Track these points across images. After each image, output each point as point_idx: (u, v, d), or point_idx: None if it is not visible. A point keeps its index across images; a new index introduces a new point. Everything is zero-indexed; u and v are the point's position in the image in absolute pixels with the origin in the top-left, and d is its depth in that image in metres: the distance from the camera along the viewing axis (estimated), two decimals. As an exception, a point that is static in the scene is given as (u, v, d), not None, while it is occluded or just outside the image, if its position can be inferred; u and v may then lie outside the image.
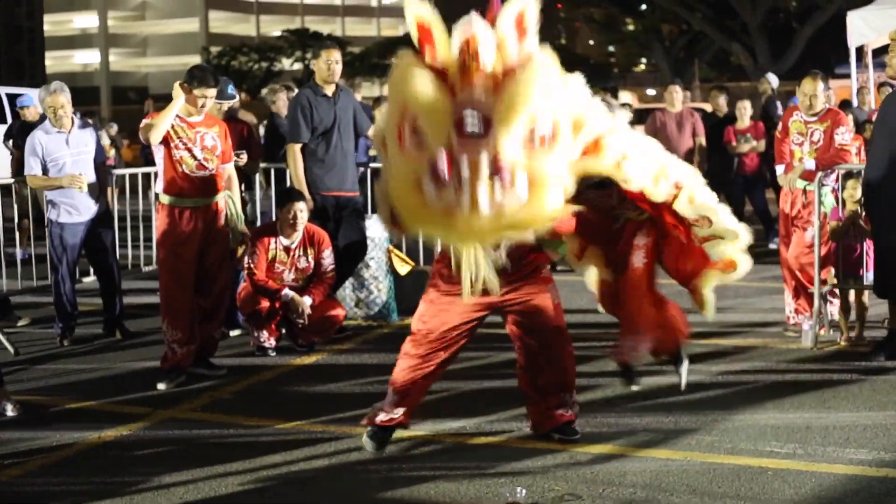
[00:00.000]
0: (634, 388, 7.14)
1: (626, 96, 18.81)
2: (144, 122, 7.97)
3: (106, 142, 19.40)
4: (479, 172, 5.06)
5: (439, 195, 5.10)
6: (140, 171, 11.94)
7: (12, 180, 10.77)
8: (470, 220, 5.12)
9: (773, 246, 13.43)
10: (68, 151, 9.12)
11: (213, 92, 8.06)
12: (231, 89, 9.46)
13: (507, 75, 5.25)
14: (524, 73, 5.23)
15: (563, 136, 5.35)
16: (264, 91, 13.60)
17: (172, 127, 7.90)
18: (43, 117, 13.33)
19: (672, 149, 13.99)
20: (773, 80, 17.06)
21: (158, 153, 8.01)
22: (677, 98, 14.46)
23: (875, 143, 8.19)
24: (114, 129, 20.22)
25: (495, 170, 5.09)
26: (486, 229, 5.21)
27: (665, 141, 13.99)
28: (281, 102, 12.08)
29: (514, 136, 5.12)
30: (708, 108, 16.63)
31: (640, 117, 20.04)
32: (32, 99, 14.29)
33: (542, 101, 5.21)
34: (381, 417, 6.30)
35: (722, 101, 15.12)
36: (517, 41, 5.34)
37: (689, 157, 14.21)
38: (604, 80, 47.07)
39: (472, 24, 5.26)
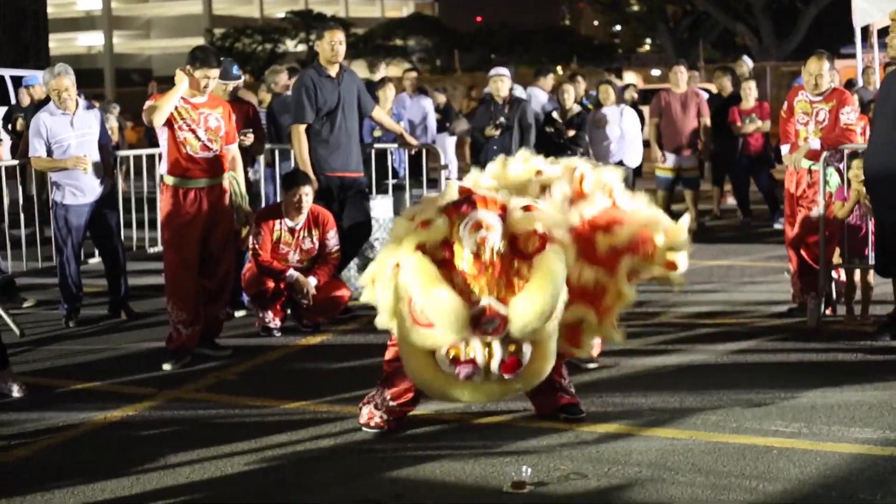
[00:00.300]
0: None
1: (630, 77, 18.78)
2: (148, 104, 7.95)
3: (113, 124, 19.39)
4: (492, 358, 5.67)
5: (455, 371, 5.70)
6: (144, 152, 11.92)
7: (16, 162, 10.75)
8: (482, 387, 5.79)
9: (777, 226, 13.44)
10: (73, 133, 9.12)
11: (215, 73, 8.05)
12: (236, 70, 9.45)
13: (522, 270, 5.65)
14: (539, 277, 5.59)
15: (560, 304, 5.73)
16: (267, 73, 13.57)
17: (176, 108, 7.89)
18: (44, 101, 13.35)
19: (677, 129, 14.09)
20: (747, 62, 17.08)
21: (162, 135, 8.00)
22: (682, 78, 14.43)
23: (876, 123, 8.17)
24: (116, 110, 20.15)
25: (508, 363, 5.70)
26: (497, 392, 5.90)
27: (670, 121, 14.05)
28: (282, 84, 12.00)
29: (526, 328, 5.61)
30: (712, 88, 16.57)
31: (644, 98, 20.04)
32: (38, 78, 14.29)
33: (551, 292, 5.58)
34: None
35: (727, 81, 15.09)
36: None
37: (693, 137, 14.21)
38: (608, 62, 47.07)
39: (476, 216, 5.68)
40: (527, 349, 5.70)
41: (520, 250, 5.68)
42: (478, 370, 5.66)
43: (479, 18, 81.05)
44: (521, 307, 5.55)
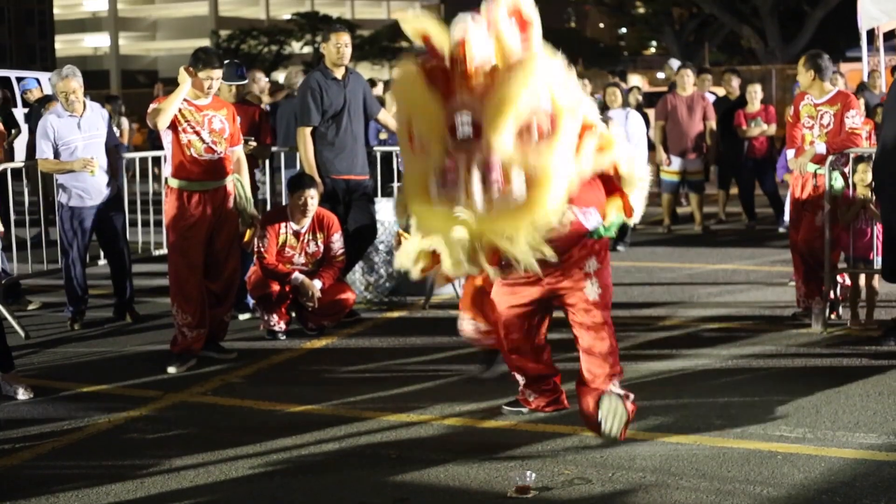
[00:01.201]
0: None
1: (635, 80, 18.76)
2: (152, 106, 7.96)
3: (125, 126, 19.42)
4: (471, 174, 5.33)
5: (443, 196, 5.40)
6: (150, 154, 11.95)
7: (21, 164, 10.78)
8: (469, 219, 5.37)
9: (782, 230, 13.43)
10: (80, 135, 9.13)
11: (218, 73, 8.05)
12: (241, 72, 9.46)
13: (501, 75, 5.38)
14: (515, 74, 5.34)
15: (564, 130, 5.42)
16: (283, 74, 13.63)
17: (180, 111, 7.90)
18: (43, 99, 13.39)
19: (682, 132, 14.09)
20: (675, 64, 17.11)
21: (166, 137, 8.01)
22: (688, 81, 14.44)
23: (885, 126, 8.16)
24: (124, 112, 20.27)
25: (487, 171, 5.32)
26: (486, 226, 5.42)
27: (675, 124, 14.06)
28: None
29: (503, 138, 5.29)
30: (718, 91, 16.58)
31: (649, 101, 20.04)
32: (34, 82, 14.35)
33: (534, 100, 5.31)
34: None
35: (735, 84, 15.09)
36: (518, 36, 5.48)
37: (699, 140, 14.21)
38: (613, 64, 47.06)
39: (465, 25, 5.42)
40: (517, 177, 5.37)
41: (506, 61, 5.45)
42: (455, 180, 5.39)
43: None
44: (491, 103, 5.34)
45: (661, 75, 43.61)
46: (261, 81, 12.27)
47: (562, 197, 5.50)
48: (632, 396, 6.05)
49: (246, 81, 9.63)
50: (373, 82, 14.94)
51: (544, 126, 5.40)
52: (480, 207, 5.37)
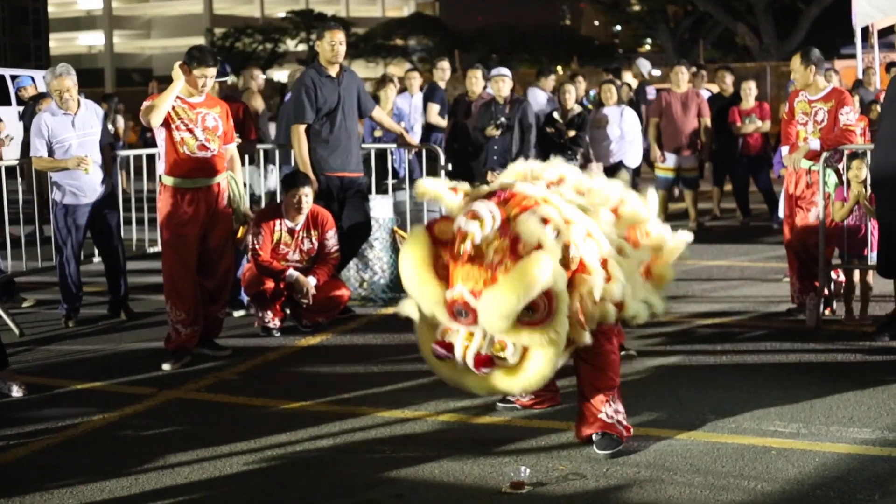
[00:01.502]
0: None
1: (627, 77, 18.77)
2: (145, 104, 7.95)
3: (121, 124, 19.43)
4: (467, 355, 5.61)
5: (445, 362, 5.77)
6: (144, 152, 11.93)
7: (16, 161, 10.76)
8: (463, 375, 5.77)
9: (776, 226, 13.44)
10: (74, 133, 9.12)
11: (213, 72, 8.05)
12: (224, 69, 9.46)
13: (504, 267, 5.44)
14: (517, 272, 5.39)
15: (563, 307, 5.49)
16: (277, 72, 13.68)
17: (173, 108, 7.89)
18: (36, 97, 13.39)
19: (677, 129, 14.09)
20: (643, 65, 17.15)
21: (160, 135, 8.00)
22: (683, 79, 14.44)
23: (883, 123, 8.17)
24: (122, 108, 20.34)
25: (479, 359, 5.59)
26: (477, 384, 5.78)
27: (670, 121, 14.06)
28: None
29: (497, 329, 5.46)
30: (713, 88, 16.58)
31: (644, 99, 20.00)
32: (29, 80, 14.35)
33: (518, 293, 5.35)
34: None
35: (729, 80, 15.10)
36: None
37: (693, 137, 14.22)
38: (608, 62, 47.07)
39: (469, 211, 5.52)
40: (512, 351, 5.57)
41: (517, 251, 5.52)
42: (450, 355, 5.66)
43: (479, 18, 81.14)
44: (485, 301, 5.43)
45: (656, 72, 43.56)
46: (258, 79, 12.28)
47: (552, 365, 5.63)
48: (624, 422, 6.01)
49: (227, 78, 9.62)
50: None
51: (541, 307, 5.46)
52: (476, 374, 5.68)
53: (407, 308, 5.95)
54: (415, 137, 12.25)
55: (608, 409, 5.94)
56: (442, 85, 13.98)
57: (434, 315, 5.69)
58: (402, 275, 5.75)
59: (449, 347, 5.66)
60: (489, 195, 5.73)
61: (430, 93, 13.81)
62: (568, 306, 5.53)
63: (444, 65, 14.44)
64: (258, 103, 11.60)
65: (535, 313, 5.45)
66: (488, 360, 5.59)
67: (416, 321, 5.94)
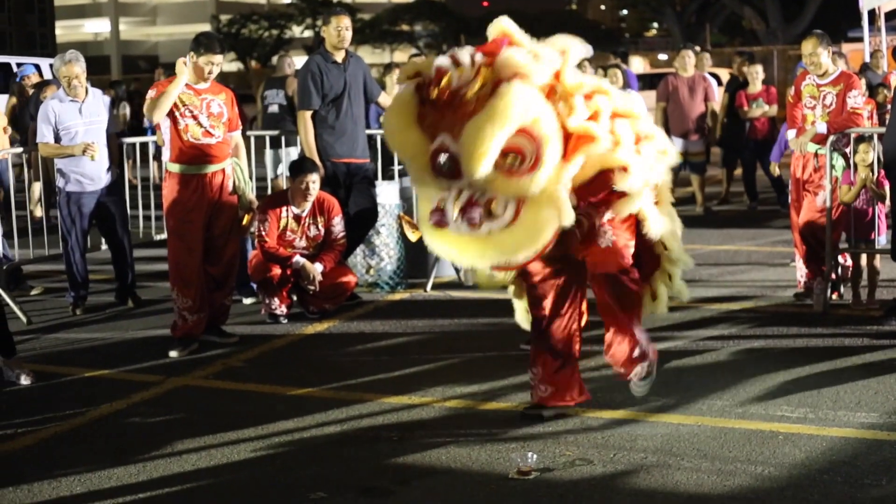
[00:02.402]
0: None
1: (637, 61, 18.70)
2: (150, 96, 7.93)
3: (125, 111, 19.43)
4: (455, 209, 5.39)
5: (443, 232, 5.53)
6: (150, 139, 11.93)
7: (20, 149, 10.77)
8: (454, 240, 5.48)
9: (783, 211, 13.41)
10: (81, 120, 9.11)
11: (219, 59, 8.03)
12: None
13: (479, 104, 5.29)
14: (491, 104, 5.24)
15: (550, 152, 5.30)
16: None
17: (178, 96, 7.89)
18: (40, 84, 13.38)
19: (684, 114, 14.06)
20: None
21: (165, 122, 8.00)
22: (689, 63, 14.40)
23: (894, 107, 8.13)
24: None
25: (469, 204, 5.35)
26: (482, 252, 5.48)
27: (677, 105, 14.03)
28: None
29: (481, 172, 5.23)
30: (718, 72, 16.53)
31: (651, 83, 19.99)
32: (32, 68, 14.35)
33: (511, 129, 5.19)
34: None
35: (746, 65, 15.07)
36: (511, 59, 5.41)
37: (700, 121, 14.19)
38: (615, 45, 47.01)
39: (450, 54, 5.41)
40: (506, 206, 5.36)
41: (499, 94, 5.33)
42: (444, 217, 5.46)
43: (485, 3, 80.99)
44: (463, 141, 5.25)
45: (662, 56, 43.52)
46: (294, 66, 12.29)
47: (552, 222, 5.44)
48: (649, 351, 6.27)
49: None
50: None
51: (528, 153, 5.29)
52: (466, 234, 5.44)
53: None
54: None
55: (637, 329, 6.10)
56: None
57: (423, 179, 5.54)
58: (387, 133, 5.67)
59: (442, 212, 5.47)
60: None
61: None
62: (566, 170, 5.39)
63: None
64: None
65: (522, 163, 5.27)
66: (476, 207, 5.36)
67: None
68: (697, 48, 16.45)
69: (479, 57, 5.43)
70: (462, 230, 5.43)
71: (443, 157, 5.35)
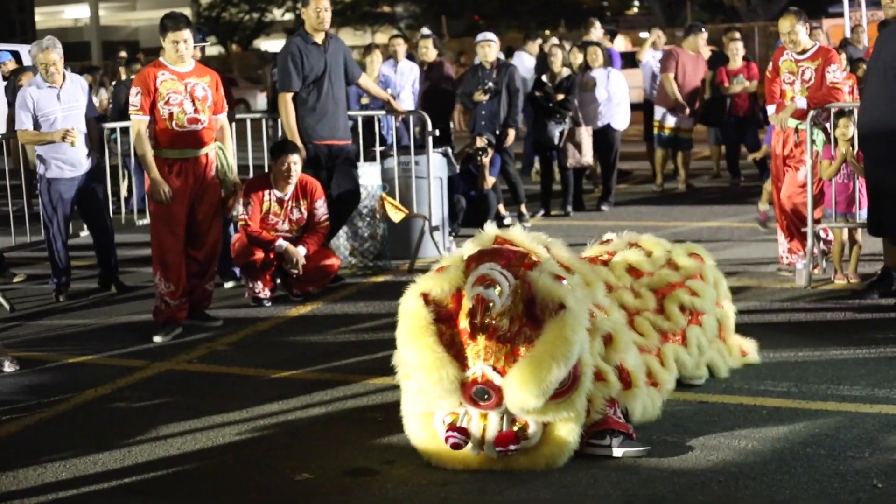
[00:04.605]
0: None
1: (620, 40, 18.68)
2: (140, 130, 7.93)
3: (104, 96, 19.32)
4: (487, 430, 5.07)
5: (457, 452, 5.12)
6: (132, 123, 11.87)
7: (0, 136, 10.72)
8: (478, 460, 5.15)
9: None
10: (59, 106, 9.08)
11: (187, 34, 7.94)
12: (201, 36, 9.44)
13: (522, 337, 5.00)
14: (548, 332, 4.94)
15: (583, 380, 5.06)
16: (265, 42, 13.63)
17: (161, 83, 7.88)
18: (16, 71, 13.31)
19: (686, 84, 14.04)
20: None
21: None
22: (703, 44, 14.54)
23: (869, 80, 8.17)
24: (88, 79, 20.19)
25: (503, 437, 5.01)
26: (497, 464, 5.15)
27: (682, 78, 14.06)
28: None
29: (537, 406, 4.94)
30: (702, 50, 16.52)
31: (631, 61, 19.94)
32: (7, 55, 14.26)
33: (559, 363, 4.87)
34: None
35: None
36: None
37: (692, 99, 14.20)
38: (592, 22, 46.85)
39: (479, 275, 5.04)
40: (535, 430, 5.06)
41: (535, 315, 5.05)
42: (467, 441, 5.07)
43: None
44: (516, 380, 4.90)
45: (644, 35, 43.40)
46: None
47: (574, 437, 5.13)
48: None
49: (206, 44, 9.57)
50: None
51: (565, 381, 4.97)
52: (495, 456, 5.09)
53: (409, 400, 5.33)
54: (402, 104, 12.19)
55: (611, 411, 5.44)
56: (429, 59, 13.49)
57: (443, 401, 5.11)
58: (409, 359, 5.11)
59: (464, 433, 5.07)
60: (481, 254, 5.28)
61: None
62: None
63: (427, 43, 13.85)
64: None
65: (561, 384, 4.96)
66: (513, 439, 5.02)
67: (403, 407, 5.39)
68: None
69: (511, 279, 5.07)
70: (491, 454, 5.12)
71: (482, 390, 5.00)
